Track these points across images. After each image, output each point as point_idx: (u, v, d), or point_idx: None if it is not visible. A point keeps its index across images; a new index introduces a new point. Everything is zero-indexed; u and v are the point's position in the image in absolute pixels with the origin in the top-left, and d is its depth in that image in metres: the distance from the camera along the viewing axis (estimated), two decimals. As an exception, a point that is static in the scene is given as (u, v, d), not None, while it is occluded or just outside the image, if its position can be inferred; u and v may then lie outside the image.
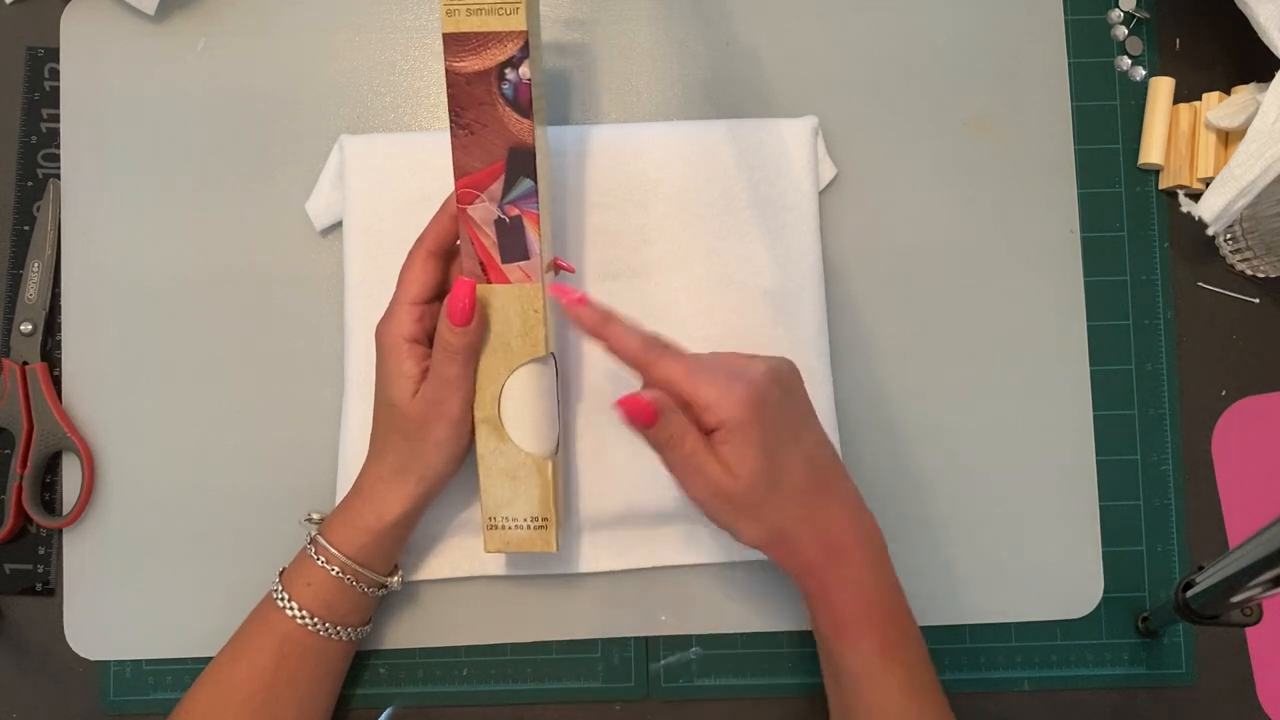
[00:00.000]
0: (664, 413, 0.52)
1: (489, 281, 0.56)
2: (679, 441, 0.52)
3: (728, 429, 0.52)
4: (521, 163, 0.55)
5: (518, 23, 0.53)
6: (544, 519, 0.58)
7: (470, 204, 0.55)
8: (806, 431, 0.55)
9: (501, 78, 0.54)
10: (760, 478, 0.52)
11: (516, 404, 0.57)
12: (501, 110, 0.54)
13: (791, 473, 0.54)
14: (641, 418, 0.52)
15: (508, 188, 0.55)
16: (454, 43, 0.53)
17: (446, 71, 0.54)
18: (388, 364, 0.57)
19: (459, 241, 0.57)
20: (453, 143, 0.55)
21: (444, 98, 0.67)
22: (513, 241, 0.55)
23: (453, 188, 0.57)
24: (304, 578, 0.58)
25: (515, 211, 0.55)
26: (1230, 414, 0.66)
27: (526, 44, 0.54)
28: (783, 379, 0.55)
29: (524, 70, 0.54)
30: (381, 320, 0.58)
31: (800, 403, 0.56)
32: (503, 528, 0.58)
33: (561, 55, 0.68)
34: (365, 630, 0.60)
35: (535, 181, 0.55)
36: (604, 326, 0.54)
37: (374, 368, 0.61)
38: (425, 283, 0.57)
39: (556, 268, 0.60)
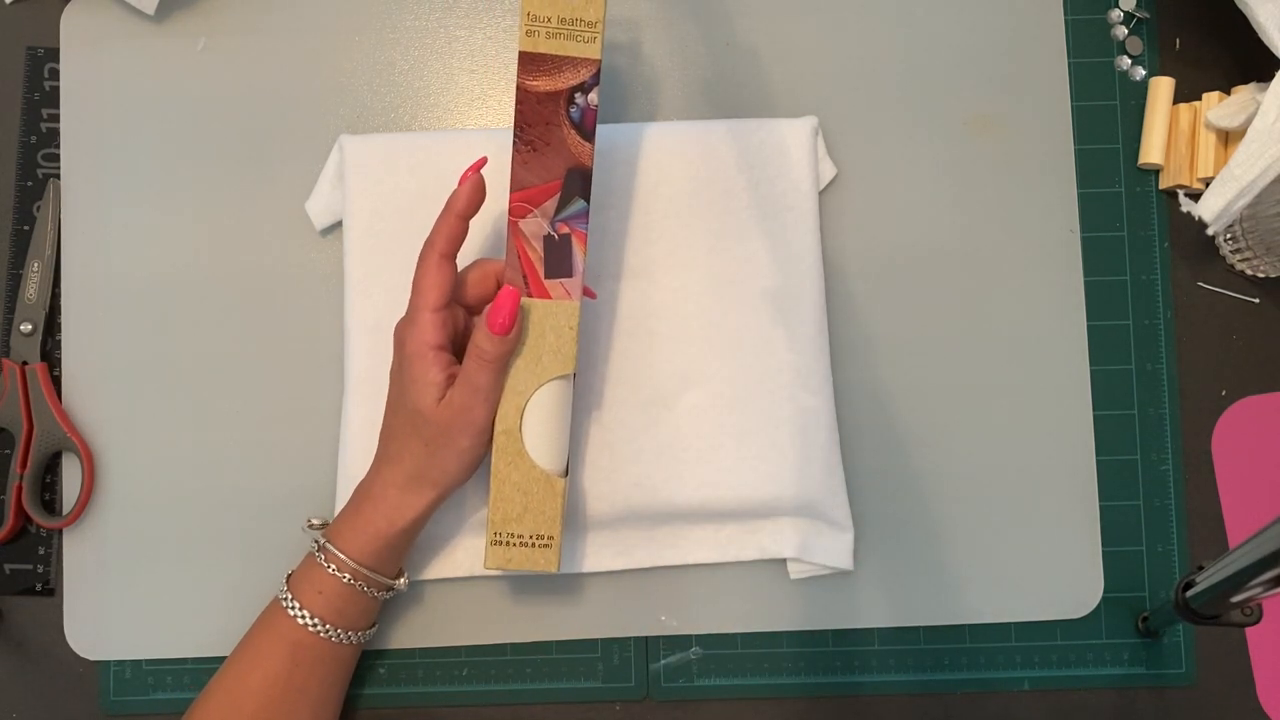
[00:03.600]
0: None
1: (530, 294, 0.56)
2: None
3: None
4: (578, 184, 0.56)
5: (594, 51, 0.55)
6: (549, 537, 0.58)
7: (523, 218, 0.56)
8: None
9: (571, 101, 0.55)
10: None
11: (538, 419, 0.57)
12: (565, 132, 0.55)
13: None
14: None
15: (561, 206, 0.56)
16: (529, 62, 0.55)
17: (518, 88, 0.55)
18: (412, 370, 0.56)
19: (483, 260, 0.58)
20: (513, 157, 0.56)
21: (444, 97, 0.67)
22: (559, 258, 0.56)
23: (453, 187, 0.57)
24: (314, 584, 0.57)
25: (565, 230, 0.56)
26: (1230, 414, 0.66)
27: (599, 71, 0.55)
28: None
29: (593, 96, 0.55)
30: (405, 327, 0.57)
31: None
32: (506, 543, 0.58)
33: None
34: (373, 632, 0.60)
35: (589, 204, 0.56)
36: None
37: (374, 367, 0.61)
38: (444, 288, 0.56)
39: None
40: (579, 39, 0.55)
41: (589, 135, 0.56)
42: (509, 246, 0.56)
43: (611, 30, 0.68)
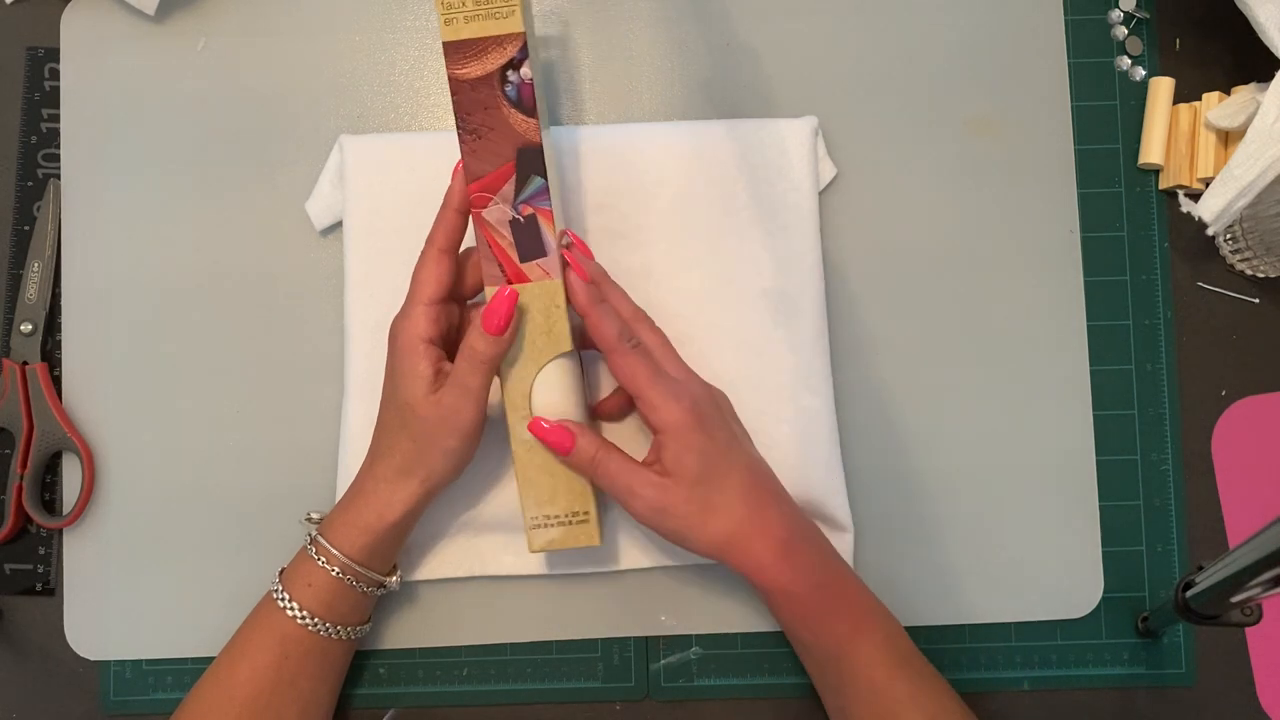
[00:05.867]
0: (578, 437, 0.56)
1: (510, 282, 0.56)
2: (603, 463, 0.56)
3: (669, 433, 0.56)
4: (531, 162, 0.55)
5: (515, 25, 0.54)
6: (585, 512, 0.58)
7: (484, 208, 0.56)
8: (740, 446, 0.59)
9: (504, 80, 0.55)
10: (699, 483, 0.56)
11: (547, 401, 0.57)
12: (507, 112, 0.55)
13: (731, 479, 0.57)
14: (557, 443, 0.56)
15: (519, 188, 0.56)
16: (454, 50, 0.54)
17: (450, 79, 0.55)
18: (403, 364, 0.57)
19: (476, 246, 0.58)
20: (461, 149, 0.55)
21: (445, 97, 0.67)
22: (529, 240, 0.56)
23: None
24: (304, 577, 0.58)
25: (529, 210, 0.56)
26: (1230, 414, 0.66)
27: (525, 44, 0.54)
28: (718, 399, 0.60)
29: (525, 70, 0.55)
30: (397, 320, 0.57)
31: (733, 422, 0.61)
32: (545, 526, 0.58)
33: (562, 55, 0.68)
34: (365, 629, 0.60)
35: (545, 179, 0.56)
36: (593, 308, 0.57)
37: (374, 367, 0.61)
38: (441, 282, 0.57)
39: (566, 236, 0.60)
40: (497, 16, 0.54)
41: (530, 110, 0.55)
42: (478, 239, 0.56)
43: (611, 30, 0.68)
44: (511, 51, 0.54)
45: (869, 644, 0.57)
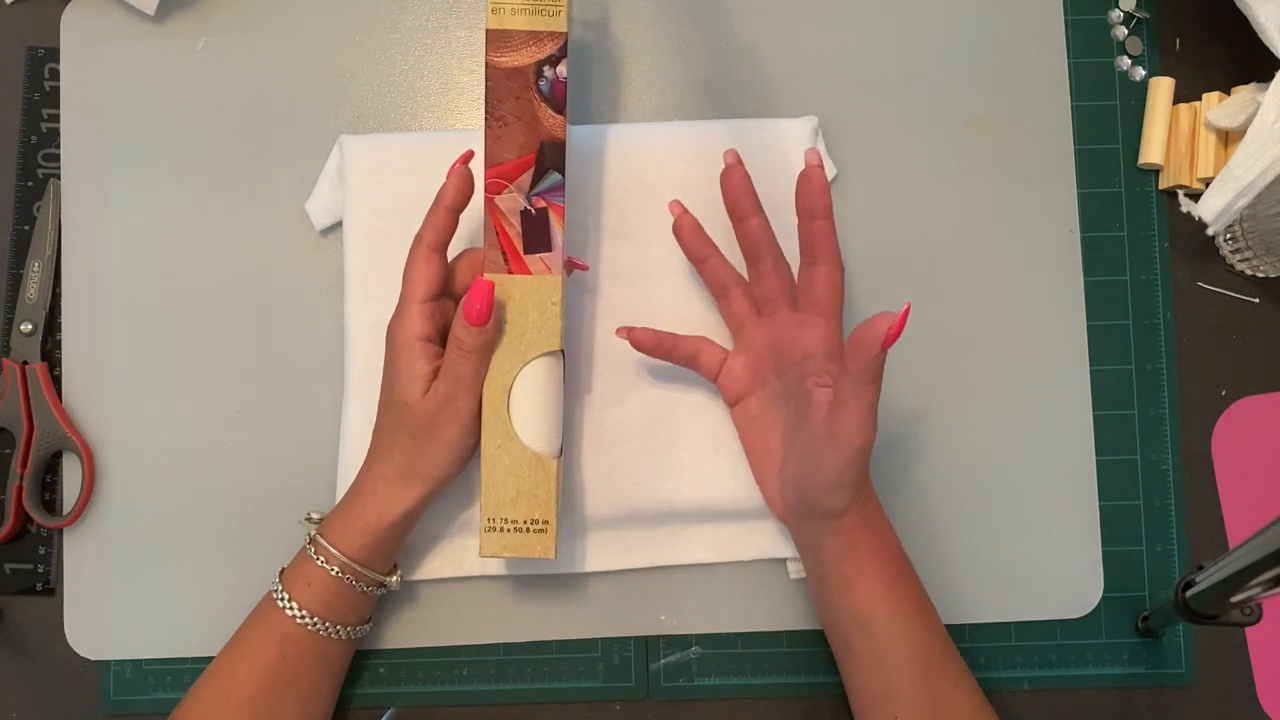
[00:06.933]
0: None
1: (510, 271, 0.56)
2: (880, 377, 0.52)
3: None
4: (552, 157, 0.56)
5: (559, 24, 0.55)
6: (544, 521, 0.58)
7: (498, 194, 0.56)
8: None
9: (540, 74, 0.56)
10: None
11: (526, 399, 0.57)
12: (537, 105, 0.56)
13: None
14: (897, 331, 0.49)
15: (536, 180, 0.56)
16: (497, 39, 0.56)
17: (487, 65, 0.56)
18: (399, 362, 0.57)
19: (473, 243, 0.58)
20: (486, 134, 0.56)
21: (444, 97, 0.67)
22: (537, 233, 0.56)
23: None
24: (304, 577, 0.58)
25: (542, 204, 0.56)
26: (1230, 414, 0.66)
27: (565, 44, 0.55)
28: None
29: (561, 69, 0.56)
30: (393, 320, 0.58)
31: None
32: (501, 530, 0.58)
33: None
34: (365, 629, 0.60)
35: (564, 176, 0.56)
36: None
37: (374, 367, 0.61)
38: (432, 280, 0.57)
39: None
40: (545, 13, 0.55)
41: (560, 108, 0.56)
42: (486, 225, 0.57)
43: (611, 30, 0.68)
44: (551, 49, 0.56)
45: (899, 605, 0.57)
